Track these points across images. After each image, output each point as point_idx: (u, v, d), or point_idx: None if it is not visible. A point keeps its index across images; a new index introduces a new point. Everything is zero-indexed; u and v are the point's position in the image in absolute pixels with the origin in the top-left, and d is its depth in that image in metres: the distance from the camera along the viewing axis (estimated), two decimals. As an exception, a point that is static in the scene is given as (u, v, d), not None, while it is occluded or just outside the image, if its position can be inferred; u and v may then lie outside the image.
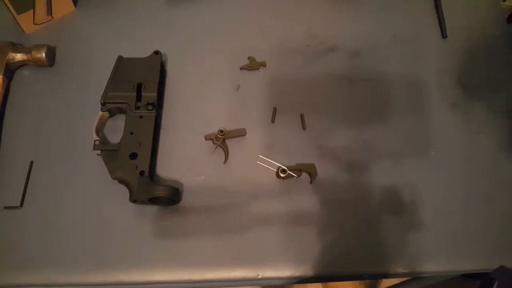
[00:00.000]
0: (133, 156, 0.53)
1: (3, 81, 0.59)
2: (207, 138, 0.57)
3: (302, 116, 0.60)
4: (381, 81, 0.63)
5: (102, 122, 0.57)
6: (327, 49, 0.66)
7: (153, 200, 0.51)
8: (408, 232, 0.53)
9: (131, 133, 0.54)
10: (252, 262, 0.51)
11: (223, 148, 0.56)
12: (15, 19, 0.62)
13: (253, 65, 0.63)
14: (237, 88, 0.62)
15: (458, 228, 0.54)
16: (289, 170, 0.55)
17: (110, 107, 0.56)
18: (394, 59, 0.65)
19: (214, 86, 0.62)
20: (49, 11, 0.65)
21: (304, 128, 0.59)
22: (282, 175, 0.55)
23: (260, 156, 0.56)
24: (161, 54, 0.61)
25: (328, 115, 0.60)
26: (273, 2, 0.70)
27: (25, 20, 0.63)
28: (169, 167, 0.56)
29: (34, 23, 0.65)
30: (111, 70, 0.59)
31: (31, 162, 0.55)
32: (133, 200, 0.51)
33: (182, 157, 0.57)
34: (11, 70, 0.61)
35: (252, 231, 0.52)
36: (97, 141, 0.54)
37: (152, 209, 0.53)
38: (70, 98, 0.60)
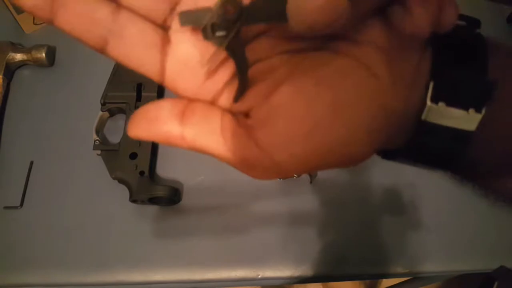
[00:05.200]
0: (133, 156, 0.53)
1: (3, 81, 0.59)
2: None
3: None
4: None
5: (102, 122, 0.57)
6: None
7: (153, 200, 0.51)
8: (408, 232, 0.53)
9: (131, 133, 0.54)
10: (252, 262, 0.51)
11: None
12: (15, 19, 0.62)
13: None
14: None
15: (458, 228, 0.54)
16: (289, 170, 0.55)
17: (110, 107, 0.56)
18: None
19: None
20: (49, 11, 0.65)
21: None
22: (282, 175, 0.55)
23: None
24: (161, 54, 0.61)
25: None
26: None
27: (25, 20, 0.63)
28: (169, 167, 0.56)
29: (34, 23, 0.65)
30: (111, 70, 0.59)
31: (31, 162, 0.55)
32: (133, 200, 0.51)
33: (182, 157, 0.56)
34: (11, 70, 0.61)
35: (252, 231, 0.52)
36: (97, 141, 0.54)
37: (152, 209, 0.53)
38: (70, 98, 0.60)
